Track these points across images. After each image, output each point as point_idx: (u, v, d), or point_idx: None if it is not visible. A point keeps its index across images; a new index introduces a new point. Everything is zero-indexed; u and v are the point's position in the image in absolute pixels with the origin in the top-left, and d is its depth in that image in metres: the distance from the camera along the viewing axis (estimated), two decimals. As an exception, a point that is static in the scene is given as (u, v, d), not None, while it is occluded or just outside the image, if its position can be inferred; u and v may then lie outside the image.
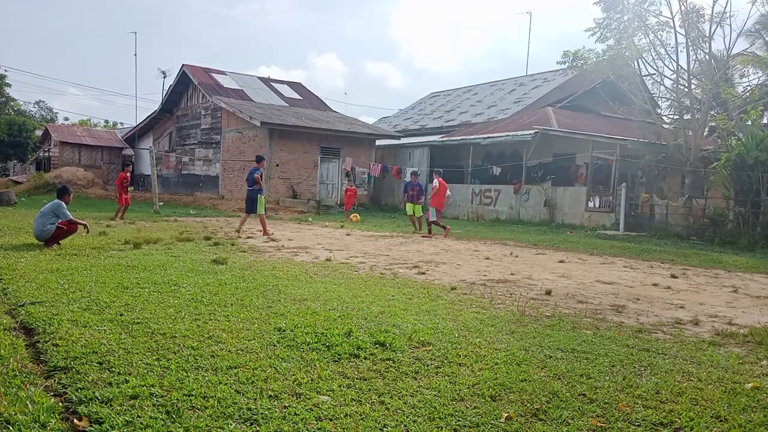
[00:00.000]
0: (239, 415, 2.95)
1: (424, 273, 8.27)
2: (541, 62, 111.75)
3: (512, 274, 8.66)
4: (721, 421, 3.20)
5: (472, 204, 24.50)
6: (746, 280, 9.37)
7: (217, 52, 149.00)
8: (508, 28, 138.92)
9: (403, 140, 29.77)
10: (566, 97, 29.38)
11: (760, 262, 12.05)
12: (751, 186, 15.88)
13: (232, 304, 5.37)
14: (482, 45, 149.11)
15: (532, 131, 22.27)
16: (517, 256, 11.13)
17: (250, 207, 13.75)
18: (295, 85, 35.96)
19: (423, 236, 14.73)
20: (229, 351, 3.95)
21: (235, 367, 3.63)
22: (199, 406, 3.03)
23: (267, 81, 35.09)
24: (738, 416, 3.25)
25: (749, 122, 18.60)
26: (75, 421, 2.82)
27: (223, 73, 32.98)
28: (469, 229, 18.07)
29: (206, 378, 3.42)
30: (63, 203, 9.52)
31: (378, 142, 29.64)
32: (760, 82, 22.37)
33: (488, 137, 24.38)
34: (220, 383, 3.35)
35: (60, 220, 9.26)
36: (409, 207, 16.70)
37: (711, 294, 7.76)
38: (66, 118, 62.42)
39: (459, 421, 3.03)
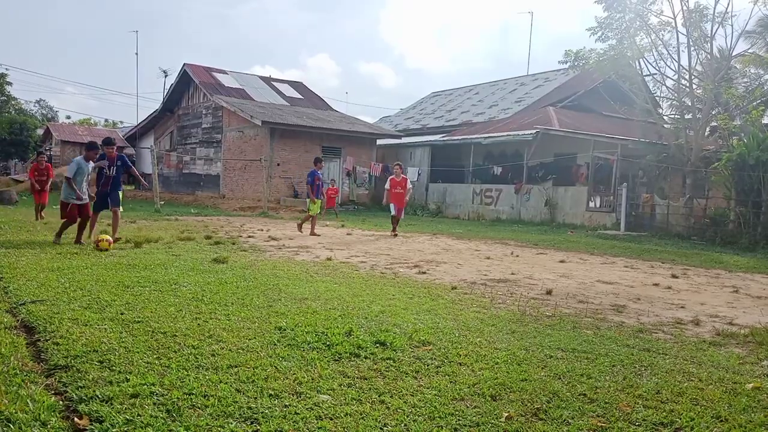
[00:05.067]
0: (240, 414, 2.95)
1: (424, 272, 8.27)
2: (539, 63, 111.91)
3: (513, 273, 8.65)
4: (721, 421, 3.19)
5: (473, 204, 24.49)
6: (747, 280, 9.36)
7: (215, 51, 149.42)
8: (504, 28, 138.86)
9: (405, 140, 29.76)
10: (567, 96, 29.36)
11: (761, 262, 12.04)
12: (752, 186, 15.86)
13: (232, 303, 5.37)
14: (478, 45, 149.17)
15: (533, 131, 22.26)
16: (517, 256, 11.13)
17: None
18: (296, 85, 35.96)
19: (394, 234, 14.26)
20: (230, 350, 3.96)
21: (236, 366, 3.63)
22: (199, 405, 3.03)
23: (268, 80, 35.09)
24: (738, 416, 3.25)
25: (750, 122, 18.59)
26: (75, 419, 2.82)
27: (224, 72, 32.98)
28: (470, 229, 18.07)
29: (207, 377, 3.42)
30: (81, 159, 9.52)
31: (379, 142, 29.63)
32: (761, 81, 22.35)
33: (489, 137, 24.37)
34: (221, 382, 3.35)
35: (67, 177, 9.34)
36: (316, 205, 14.05)
37: (712, 294, 7.75)
38: (67, 117, 62.57)
39: (459, 420, 3.03)
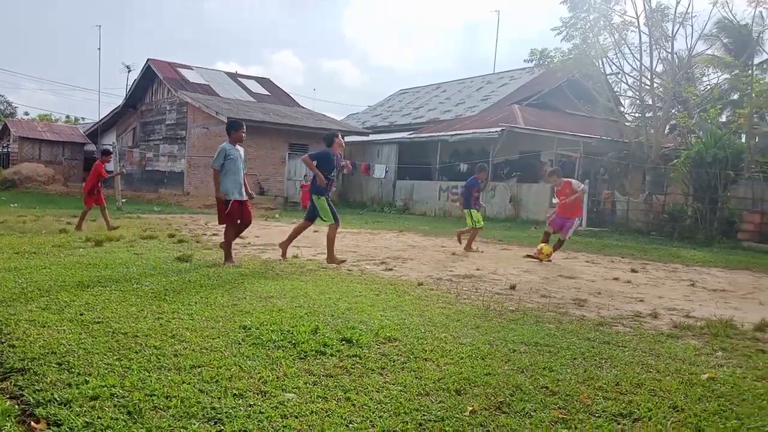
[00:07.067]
0: (203, 415, 2.92)
1: (391, 269, 8.30)
2: (505, 61, 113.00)
3: (478, 269, 8.74)
4: (678, 411, 3.29)
5: (440, 200, 24.65)
6: (703, 273, 9.65)
7: (178, 46, 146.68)
8: (470, 27, 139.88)
9: (372, 137, 29.76)
10: (532, 95, 29.74)
11: (716, 256, 12.42)
12: (709, 183, 16.35)
13: (196, 302, 5.30)
14: (444, 44, 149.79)
15: (498, 129, 22.49)
16: (482, 252, 11.24)
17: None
18: (263, 81, 35.58)
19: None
20: (193, 350, 3.90)
21: (199, 366, 3.58)
22: (161, 406, 2.98)
23: (234, 76, 34.65)
24: (694, 406, 3.35)
25: (708, 120, 19.15)
26: (32, 423, 2.75)
27: (189, 67, 32.43)
28: (436, 226, 18.18)
29: (169, 377, 3.37)
30: (226, 144, 7.91)
31: (346, 139, 29.56)
32: (719, 81, 23.04)
33: (456, 134, 24.54)
34: (184, 383, 3.30)
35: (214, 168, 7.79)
36: (473, 215, 11.67)
37: (669, 288, 7.97)
38: (26, 113, 60.58)
39: (424, 415, 3.05)
